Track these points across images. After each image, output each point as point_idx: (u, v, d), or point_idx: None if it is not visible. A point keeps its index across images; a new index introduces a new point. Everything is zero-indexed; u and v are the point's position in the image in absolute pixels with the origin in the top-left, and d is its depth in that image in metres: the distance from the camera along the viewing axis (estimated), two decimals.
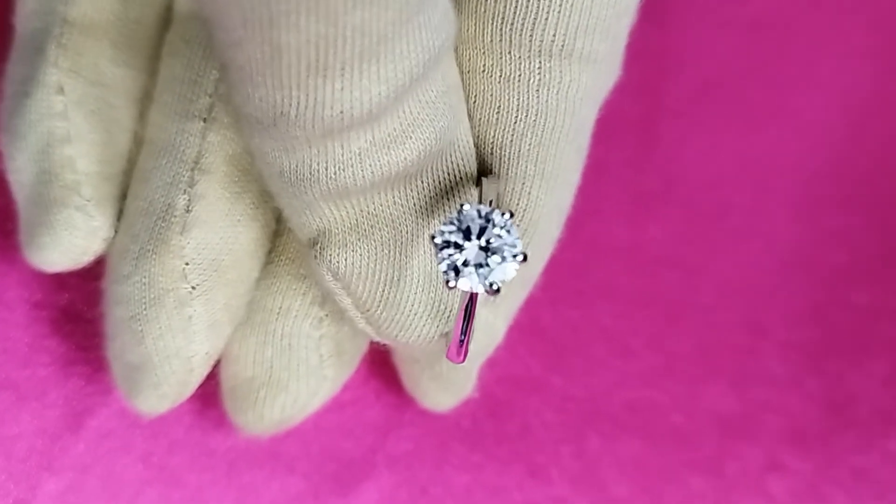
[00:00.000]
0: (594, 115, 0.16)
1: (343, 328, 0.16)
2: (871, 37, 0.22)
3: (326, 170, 0.13)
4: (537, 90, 0.14)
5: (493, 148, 0.15)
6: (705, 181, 0.21)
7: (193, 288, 0.15)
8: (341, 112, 0.12)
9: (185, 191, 0.15)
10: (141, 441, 0.18)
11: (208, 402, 0.18)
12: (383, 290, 0.14)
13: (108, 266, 0.16)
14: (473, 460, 0.19)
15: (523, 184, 0.15)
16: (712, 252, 0.21)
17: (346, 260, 0.14)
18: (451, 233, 0.13)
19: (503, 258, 0.13)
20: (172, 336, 0.15)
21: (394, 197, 0.14)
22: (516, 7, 0.14)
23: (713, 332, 0.20)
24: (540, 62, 0.14)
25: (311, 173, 0.13)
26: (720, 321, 0.20)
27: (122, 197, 0.16)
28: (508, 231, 0.13)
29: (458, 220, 0.13)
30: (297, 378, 0.16)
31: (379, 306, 0.15)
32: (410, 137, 0.13)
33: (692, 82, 0.21)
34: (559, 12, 0.14)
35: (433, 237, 0.13)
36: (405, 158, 0.13)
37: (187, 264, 0.15)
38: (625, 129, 0.21)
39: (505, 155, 0.15)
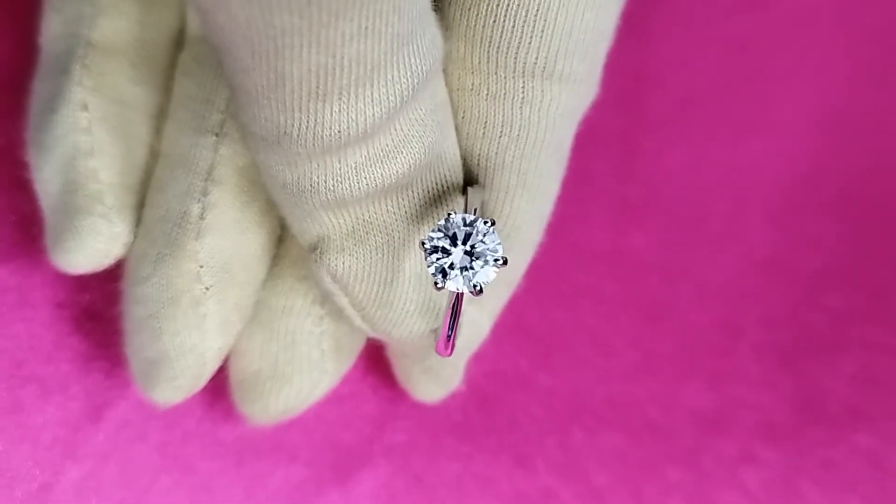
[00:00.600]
0: (573, 130, 0.17)
1: (342, 325, 0.17)
2: (848, 53, 0.23)
3: (325, 182, 0.14)
4: (521, 107, 0.15)
5: (479, 160, 0.16)
6: (685, 189, 0.22)
7: (207, 289, 0.16)
8: (339, 132, 0.13)
9: (199, 200, 0.16)
10: (156, 431, 0.19)
11: (218, 396, 0.18)
12: (378, 291, 0.16)
13: (126, 269, 0.17)
14: (464, 451, 0.20)
15: (506, 193, 0.16)
16: (691, 257, 0.21)
17: (343, 263, 0.15)
18: (439, 239, 0.14)
19: (486, 262, 0.14)
20: (188, 333, 0.16)
21: (387, 206, 0.15)
22: (502, 31, 0.15)
23: (691, 332, 0.21)
24: (524, 82, 0.15)
25: (311, 185, 0.14)
26: (698, 322, 0.21)
27: (140, 205, 0.17)
28: (490, 238, 0.14)
29: (446, 228, 0.14)
30: (300, 371, 0.17)
31: (374, 306, 0.16)
32: (402, 152, 0.14)
33: (674, 95, 0.22)
34: (541, 37, 0.15)
35: (423, 243, 0.14)
36: (397, 171, 0.14)
37: (201, 267, 0.16)
38: (609, 139, 0.22)
39: (490, 166, 0.16)
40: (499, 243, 0.14)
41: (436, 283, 0.14)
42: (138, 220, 0.17)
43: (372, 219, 0.15)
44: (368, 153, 0.14)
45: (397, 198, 0.15)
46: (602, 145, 0.21)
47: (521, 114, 0.15)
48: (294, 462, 0.19)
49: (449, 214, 0.14)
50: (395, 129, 0.14)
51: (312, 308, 0.17)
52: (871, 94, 0.23)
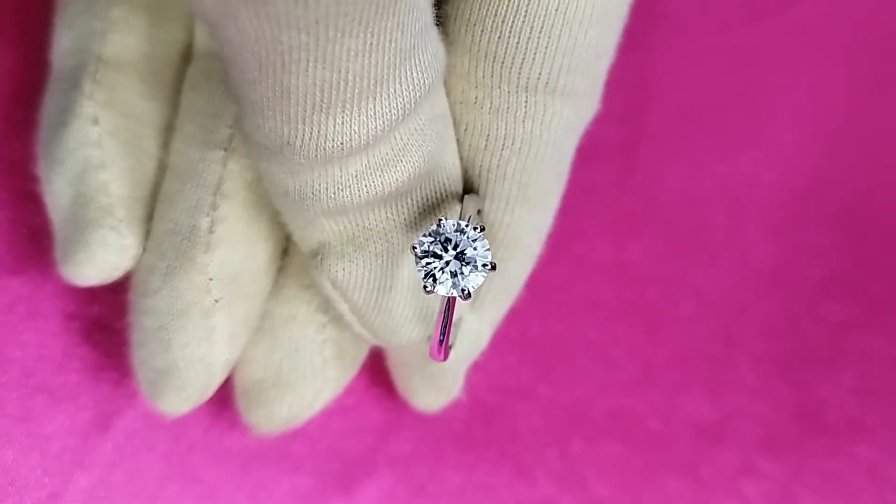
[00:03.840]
0: (574, 145, 0.17)
1: (345, 333, 0.18)
2: (846, 66, 0.23)
3: (327, 190, 0.14)
4: (523, 121, 0.16)
5: (481, 171, 0.16)
6: (684, 202, 0.22)
7: (216, 301, 0.16)
8: (341, 143, 0.14)
9: (208, 213, 0.16)
10: (163, 441, 0.19)
11: (224, 405, 0.19)
12: (376, 297, 0.16)
13: (134, 281, 0.17)
14: (466, 461, 0.20)
15: (507, 204, 0.16)
16: (690, 268, 0.21)
17: (343, 269, 0.15)
18: (430, 244, 0.14)
19: (475, 267, 0.14)
20: (198, 344, 0.16)
21: (387, 213, 0.15)
22: (507, 47, 0.15)
23: (691, 343, 0.21)
24: (526, 97, 0.15)
25: (312, 193, 0.14)
26: (697, 333, 0.21)
27: (149, 218, 0.17)
28: (480, 243, 0.14)
29: (437, 233, 0.14)
30: (303, 379, 0.17)
31: (373, 312, 0.16)
32: (401, 161, 0.15)
33: (673, 108, 0.22)
34: (545, 53, 0.15)
35: (413, 247, 0.14)
36: (397, 179, 0.15)
37: (211, 279, 0.16)
38: (608, 152, 0.22)
39: (492, 178, 0.16)
40: (488, 249, 0.14)
41: (425, 288, 0.14)
42: (147, 233, 0.17)
43: (372, 226, 0.15)
44: (369, 162, 0.14)
45: (397, 206, 0.15)
46: (602, 158, 0.22)
47: (524, 127, 0.16)
48: (299, 471, 0.19)
49: (440, 220, 0.14)
50: (395, 139, 0.14)
51: (315, 316, 0.17)
52: (868, 107, 0.23)
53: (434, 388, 0.19)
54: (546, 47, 0.15)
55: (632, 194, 0.22)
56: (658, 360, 0.21)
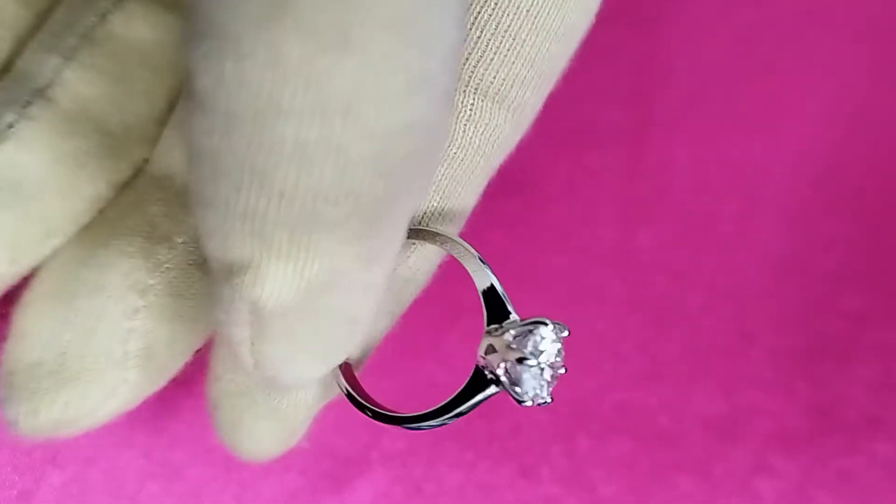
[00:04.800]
0: (490, 175, 0.16)
1: (160, 331, 0.14)
2: (861, 47, 0.22)
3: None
4: (465, 125, 0.14)
5: None
6: (695, 188, 0.21)
7: None
8: None
9: (16, 111, 0.14)
10: (143, 436, 0.18)
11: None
12: (292, 323, 0.12)
13: None
14: (466, 459, 0.19)
15: (423, 213, 0.15)
16: (702, 257, 0.21)
17: (270, 290, 0.11)
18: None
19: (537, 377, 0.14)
20: None
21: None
22: (467, 40, 0.14)
23: (702, 335, 0.20)
24: (474, 100, 0.14)
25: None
26: (709, 325, 0.20)
27: None
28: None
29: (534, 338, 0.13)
30: (92, 371, 0.13)
31: (282, 339, 0.12)
32: None
33: (682, 90, 0.22)
34: (504, 57, 0.14)
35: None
36: None
37: None
38: (616, 136, 0.21)
39: None
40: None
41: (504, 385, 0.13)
42: None
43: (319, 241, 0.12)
44: None
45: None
46: (609, 142, 0.21)
47: (465, 132, 0.14)
48: (287, 470, 0.18)
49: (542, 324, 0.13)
50: None
51: (128, 295, 0.14)
52: (886, 88, 0.22)
53: (278, 427, 0.15)
54: (508, 50, 0.14)
55: (640, 179, 0.21)
56: (668, 353, 0.20)
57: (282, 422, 0.15)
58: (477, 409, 0.19)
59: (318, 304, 0.12)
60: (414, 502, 0.19)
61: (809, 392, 0.20)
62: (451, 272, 0.20)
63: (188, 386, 0.18)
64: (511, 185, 0.18)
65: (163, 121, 0.16)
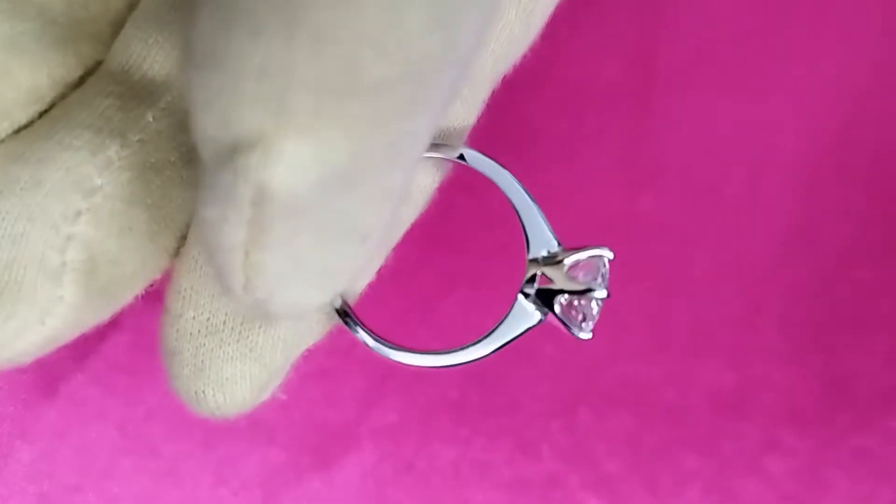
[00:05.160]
0: (494, 83, 0.15)
1: (106, 243, 0.12)
2: (874, 7, 0.22)
3: None
4: None
5: None
6: (701, 151, 0.20)
7: None
8: None
9: None
10: (116, 409, 0.17)
11: None
12: (300, 235, 0.11)
13: None
14: (460, 434, 0.18)
15: None
16: (708, 223, 0.20)
17: (283, 171, 0.09)
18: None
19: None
20: None
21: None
22: None
23: (709, 305, 0.20)
24: None
25: None
26: (716, 294, 0.20)
27: None
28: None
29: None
30: (19, 284, 0.12)
31: (281, 253, 0.11)
32: None
33: (688, 49, 0.21)
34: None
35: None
36: None
37: None
38: (618, 96, 0.20)
39: None
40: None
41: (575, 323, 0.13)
42: None
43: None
44: None
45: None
46: (611, 102, 0.20)
47: None
48: (270, 444, 0.18)
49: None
50: None
51: (70, 195, 0.12)
52: None
53: (250, 371, 0.13)
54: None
55: (643, 142, 0.20)
56: (673, 323, 0.19)
57: (258, 363, 0.13)
58: (471, 380, 0.18)
59: (330, 206, 0.10)
60: (405, 480, 0.18)
61: (821, 365, 0.20)
62: (444, 240, 0.20)
63: None
64: (509, 146, 0.18)
65: (119, 22, 0.14)
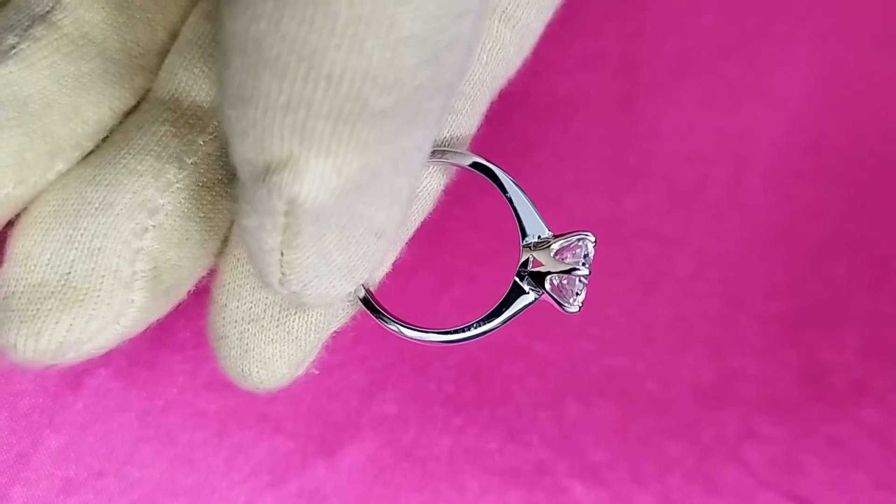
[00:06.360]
0: (492, 96, 0.16)
1: (168, 253, 0.14)
2: (850, 16, 0.22)
3: None
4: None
5: None
6: (683, 155, 0.21)
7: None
8: None
9: (18, 33, 0.14)
10: (137, 400, 0.18)
11: (200, 364, 0.18)
12: (326, 233, 0.12)
13: None
14: (455, 424, 0.19)
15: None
16: (690, 224, 0.21)
17: (311, 186, 0.11)
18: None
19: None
20: None
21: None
22: None
23: (690, 302, 0.20)
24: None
25: None
26: (697, 291, 0.20)
27: None
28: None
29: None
30: (98, 291, 0.13)
31: (312, 249, 0.12)
32: None
33: (671, 58, 0.22)
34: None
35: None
36: None
37: None
38: (604, 103, 0.21)
39: None
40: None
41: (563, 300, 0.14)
42: None
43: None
44: None
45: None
46: (597, 108, 0.21)
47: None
48: (278, 433, 0.18)
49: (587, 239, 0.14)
50: None
51: (138, 214, 0.14)
52: (872, 57, 0.22)
53: (288, 351, 0.15)
54: None
55: (628, 147, 0.21)
56: (656, 319, 0.20)
57: (294, 344, 0.15)
58: (466, 374, 0.19)
59: (350, 210, 0.12)
60: (404, 467, 0.19)
61: (797, 358, 0.20)
62: (441, 240, 0.21)
63: (182, 351, 0.19)
64: (499, 151, 0.18)
65: (164, 52, 0.16)
